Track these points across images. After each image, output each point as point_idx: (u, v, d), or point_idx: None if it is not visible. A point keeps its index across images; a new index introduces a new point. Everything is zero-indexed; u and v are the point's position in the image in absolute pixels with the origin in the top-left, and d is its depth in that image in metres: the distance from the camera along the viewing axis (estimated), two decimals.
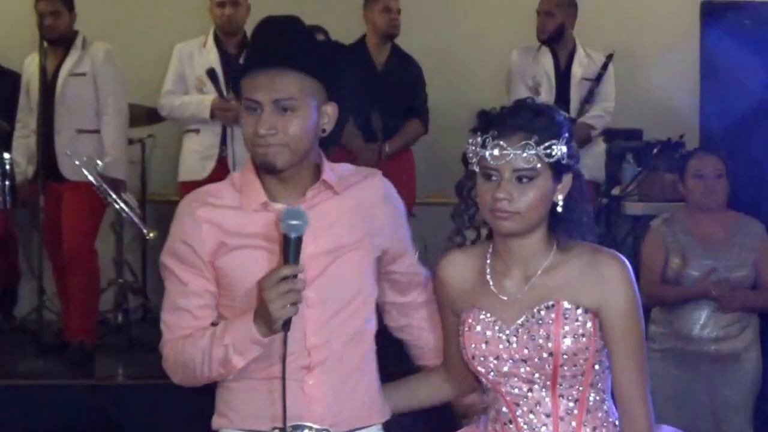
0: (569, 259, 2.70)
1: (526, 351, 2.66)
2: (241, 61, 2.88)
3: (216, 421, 2.86)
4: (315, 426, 2.74)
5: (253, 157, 2.75)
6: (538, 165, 2.62)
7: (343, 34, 6.99)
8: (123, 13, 7.81)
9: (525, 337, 2.67)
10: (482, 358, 2.71)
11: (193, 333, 2.75)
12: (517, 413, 2.71)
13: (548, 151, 2.63)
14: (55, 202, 6.33)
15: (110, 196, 6.15)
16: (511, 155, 2.61)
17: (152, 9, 7.89)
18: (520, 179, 2.62)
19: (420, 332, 3.01)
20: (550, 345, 2.64)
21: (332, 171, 2.81)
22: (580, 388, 2.69)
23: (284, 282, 2.58)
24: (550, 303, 2.66)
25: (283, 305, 2.58)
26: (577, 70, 6.89)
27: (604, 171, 6.97)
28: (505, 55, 7.05)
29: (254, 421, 2.78)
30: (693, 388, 4.93)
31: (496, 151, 2.62)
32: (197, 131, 6.51)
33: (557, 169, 2.65)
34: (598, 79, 6.82)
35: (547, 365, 2.65)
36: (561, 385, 2.68)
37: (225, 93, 6.24)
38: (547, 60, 6.91)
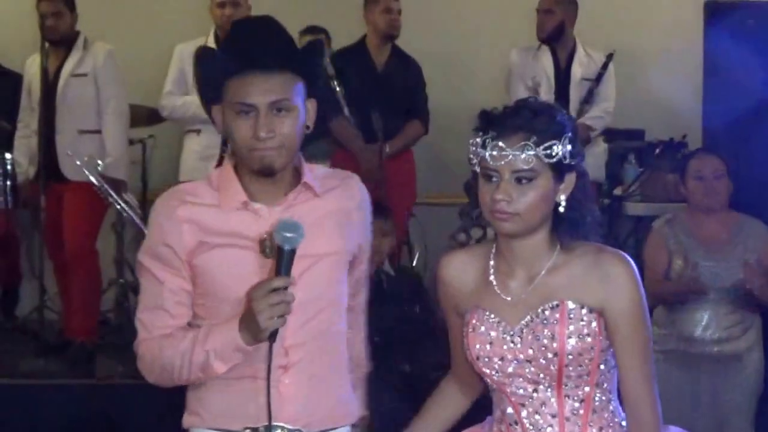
0: (573, 258, 2.68)
1: (530, 351, 2.66)
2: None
3: (187, 419, 2.85)
4: (287, 426, 2.74)
5: (248, 161, 2.72)
6: (538, 166, 2.60)
7: (344, 34, 7.06)
8: (123, 13, 7.82)
9: (530, 337, 2.66)
10: (487, 359, 2.70)
11: (172, 333, 2.75)
12: (523, 414, 2.71)
13: (548, 151, 2.60)
14: (56, 202, 6.34)
15: (111, 196, 6.15)
16: (510, 156, 2.60)
17: (153, 10, 7.89)
18: (519, 180, 2.60)
19: (354, 336, 2.98)
20: (554, 345, 2.63)
21: (311, 172, 2.81)
22: (586, 388, 2.68)
23: (275, 293, 2.59)
24: (555, 303, 2.65)
25: (271, 316, 2.59)
26: (577, 70, 6.88)
27: (604, 171, 6.96)
28: (506, 55, 7.05)
29: (226, 420, 2.77)
30: (695, 389, 4.93)
31: (495, 152, 2.61)
32: (198, 132, 6.52)
33: (559, 169, 2.63)
34: (598, 79, 6.81)
35: (552, 365, 2.64)
36: (566, 385, 2.67)
37: None
38: (546, 60, 6.89)
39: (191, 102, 6.42)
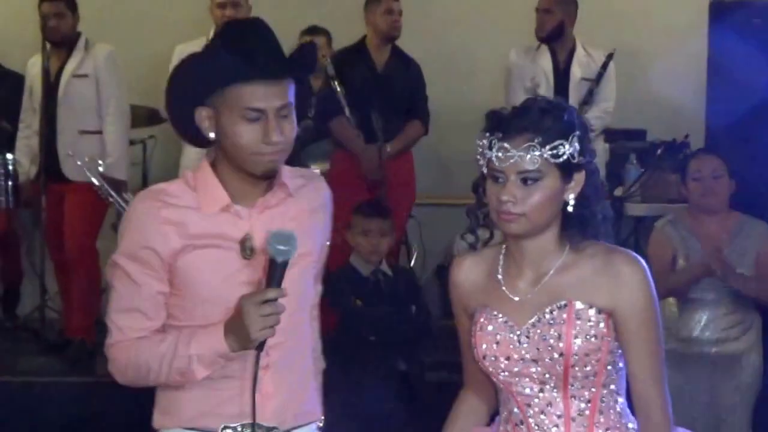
0: (582, 259, 2.67)
1: (536, 351, 2.65)
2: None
3: (159, 420, 2.83)
4: (264, 424, 2.75)
5: (248, 164, 2.71)
6: (544, 166, 2.59)
7: (344, 35, 7.06)
8: (124, 14, 7.82)
9: (536, 337, 2.65)
10: (493, 358, 2.70)
11: (149, 336, 2.74)
12: (528, 414, 2.70)
13: (554, 151, 2.59)
14: (57, 202, 6.36)
15: (112, 196, 6.15)
16: (515, 157, 2.59)
17: (153, 10, 7.89)
18: (525, 181, 2.59)
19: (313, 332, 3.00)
20: (561, 345, 2.62)
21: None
22: (593, 389, 2.67)
23: (267, 305, 2.61)
24: (563, 303, 2.64)
25: (262, 327, 2.61)
26: (577, 70, 6.86)
27: (605, 171, 6.95)
28: (506, 55, 7.03)
29: (204, 419, 2.77)
30: (693, 389, 4.92)
31: (500, 153, 2.60)
32: None
33: (566, 168, 2.61)
34: (598, 79, 6.78)
35: (557, 366, 2.64)
36: (573, 385, 2.66)
37: None
38: (545, 60, 6.87)
39: None
